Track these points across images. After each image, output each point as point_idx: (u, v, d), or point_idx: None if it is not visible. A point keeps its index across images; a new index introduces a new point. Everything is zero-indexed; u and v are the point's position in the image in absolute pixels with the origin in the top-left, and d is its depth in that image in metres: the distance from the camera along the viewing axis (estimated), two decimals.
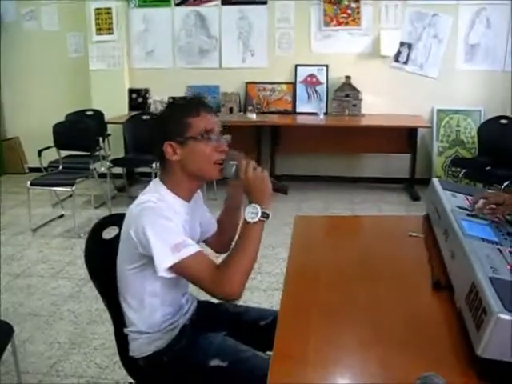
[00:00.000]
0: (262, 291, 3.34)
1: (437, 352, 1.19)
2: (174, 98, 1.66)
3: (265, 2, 5.81)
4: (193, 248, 1.48)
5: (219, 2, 5.89)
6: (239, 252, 1.49)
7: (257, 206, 1.50)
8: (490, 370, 1.06)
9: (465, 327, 1.18)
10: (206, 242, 1.86)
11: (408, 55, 5.69)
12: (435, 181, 1.93)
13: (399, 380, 1.09)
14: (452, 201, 1.71)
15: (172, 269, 1.46)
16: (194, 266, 1.47)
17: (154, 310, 1.64)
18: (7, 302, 3.33)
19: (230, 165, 1.58)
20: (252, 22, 5.88)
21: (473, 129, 5.65)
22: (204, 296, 1.94)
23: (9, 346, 2.06)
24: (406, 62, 5.72)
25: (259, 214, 1.49)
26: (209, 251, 1.75)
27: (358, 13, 5.65)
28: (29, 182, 4.59)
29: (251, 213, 1.50)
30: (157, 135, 1.61)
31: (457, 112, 5.72)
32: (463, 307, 1.22)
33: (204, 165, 1.59)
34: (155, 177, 1.69)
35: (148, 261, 1.52)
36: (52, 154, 5.17)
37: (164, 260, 1.45)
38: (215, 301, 1.92)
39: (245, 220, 1.51)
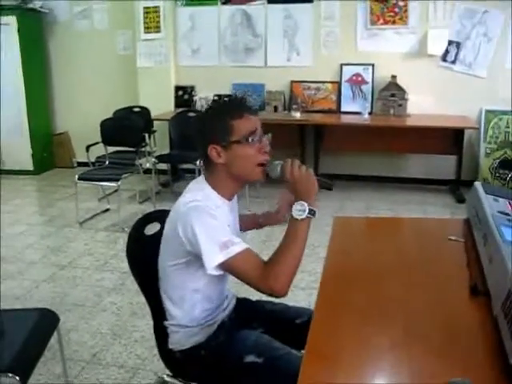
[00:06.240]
0: (301, 290, 3.34)
1: (470, 358, 1.18)
2: (219, 96, 1.68)
3: (310, 1, 5.78)
4: (240, 246, 1.50)
5: (265, 1, 5.89)
6: (286, 250, 1.51)
7: (304, 203, 1.52)
8: None
9: (500, 335, 1.17)
10: None
11: (456, 54, 5.57)
12: (477, 184, 1.90)
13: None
14: (493, 205, 1.68)
15: (221, 266, 1.49)
16: (241, 263, 1.49)
17: (194, 306, 1.67)
18: (53, 291, 3.45)
19: (276, 165, 1.61)
20: (297, 21, 5.87)
21: None
22: (243, 293, 1.97)
23: (55, 334, 2.14)
24: (453, 62, 5.59)
25: (306, 211, 1.51)
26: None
27: (406, 11, 5.57)
28: (76, 177, 4.73)
29: (298, 210, 1.52)
30: (201, 138, 1.63)
31: (506, 113, 5.56)
32: (499, 314, 1.20)
33: (248, 168, 1.61)
34: (199, 173, 1.72)
35: (193, 258, 1.56)
36: (99, 150, 5.32)
37: (213, 258, 1.48)
38: (253, 298, 1.96)
39: (292, 217, 1.53)
